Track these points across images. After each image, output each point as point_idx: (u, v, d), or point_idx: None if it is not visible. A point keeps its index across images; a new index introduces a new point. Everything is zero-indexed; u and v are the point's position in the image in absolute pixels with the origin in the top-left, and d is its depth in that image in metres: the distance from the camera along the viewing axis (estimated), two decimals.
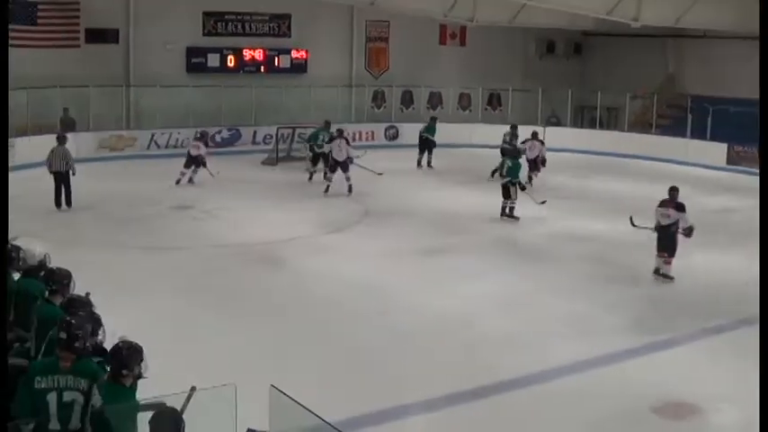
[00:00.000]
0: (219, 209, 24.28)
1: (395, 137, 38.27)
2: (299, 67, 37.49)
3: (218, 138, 34.12)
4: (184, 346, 13.10)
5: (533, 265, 19.74)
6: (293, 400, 7.01)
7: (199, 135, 29.18)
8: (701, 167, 34.19)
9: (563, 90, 40.09)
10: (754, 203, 26.97)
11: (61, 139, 24.24)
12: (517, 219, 24.17)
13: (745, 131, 34.83)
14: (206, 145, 28.85)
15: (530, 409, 12.15)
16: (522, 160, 26.28)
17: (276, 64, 37.00)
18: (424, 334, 14.80)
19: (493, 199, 25.74)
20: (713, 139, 35.61)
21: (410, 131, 37.55)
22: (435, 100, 41.22)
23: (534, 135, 30.98)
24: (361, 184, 27.64)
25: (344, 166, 27.34)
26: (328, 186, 27.22)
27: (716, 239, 22.52)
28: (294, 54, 37.36)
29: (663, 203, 18.70)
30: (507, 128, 33.25)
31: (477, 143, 36.68)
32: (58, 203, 23.47)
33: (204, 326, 14.65)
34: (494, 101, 42.07)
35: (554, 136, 37.63)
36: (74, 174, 23.63)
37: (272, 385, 7.30)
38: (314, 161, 29.85)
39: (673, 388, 12.81)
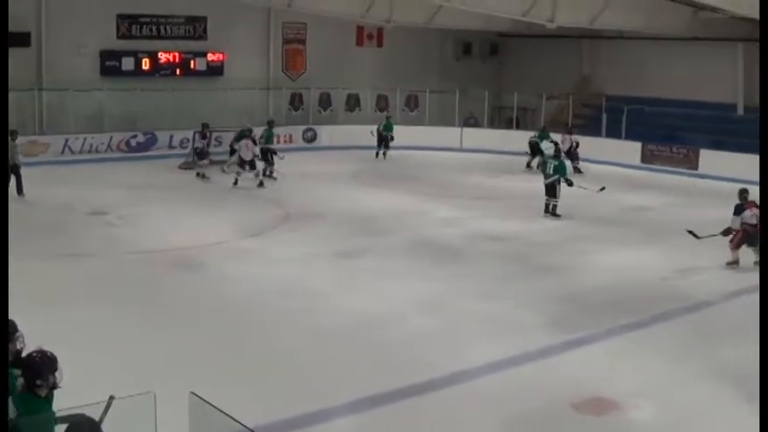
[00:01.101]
0: (136, 214, 24.02)
1: (313, 139, 38.18)
2: (215, 70, 37.20)
3: (133, 142, 33.80)
4: (102, 355, 12.92)
5: (451, 265, 19.82)
6: (213, 406, 6.96)
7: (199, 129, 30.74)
8: (616, 166, 34.60)
9: (480, 91, 40.33)
10: (667, 201, 27.62)
11: (13, 134, 26.13)
12: (559, 216, 24.87)
13: (658, 131, 35.48)
14: (203, 137, 30.63)
15: (452, 407, 12.15)
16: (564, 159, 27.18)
17: (192, 67, 36.65)
18: (345, 336, 14.79)
19: (410, 200, 26.01)
20: (628, 138, 36.15)
21: (328, 133, 37.67)
22: (353, 102, 41.26)
23: (568, 130, 34.18)
24: (280, 187, 27.64)
25: (251, 164, 28.43)
26: (237, 180, 28.36)
27: (631, 236, 22.85)
28: (210, 57, 37.03)
29: (743, 207, 19.69)
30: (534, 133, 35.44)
31: (395, 145, 36.77)
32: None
33: (122, 333, 14.44)
34: (411, 102, 42.20)
35: (471, 137, 38.01)
36: (19, 167, 25.75)
37: (191, 392, 7.24)
38: (264, 159, 30.43)
39: (591, 384, 12.91)
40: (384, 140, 36.61)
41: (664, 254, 21.00)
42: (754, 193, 19.22)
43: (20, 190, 25.51)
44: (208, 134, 31.04)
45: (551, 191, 25.17)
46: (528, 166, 33.79)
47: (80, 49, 33.73)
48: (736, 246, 19.67)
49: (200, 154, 30.68)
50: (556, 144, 30.30)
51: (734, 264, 19.61)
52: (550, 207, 25.19)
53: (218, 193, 27.59)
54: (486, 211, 25.66)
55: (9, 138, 25.61)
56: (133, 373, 11.72)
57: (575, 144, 33.52)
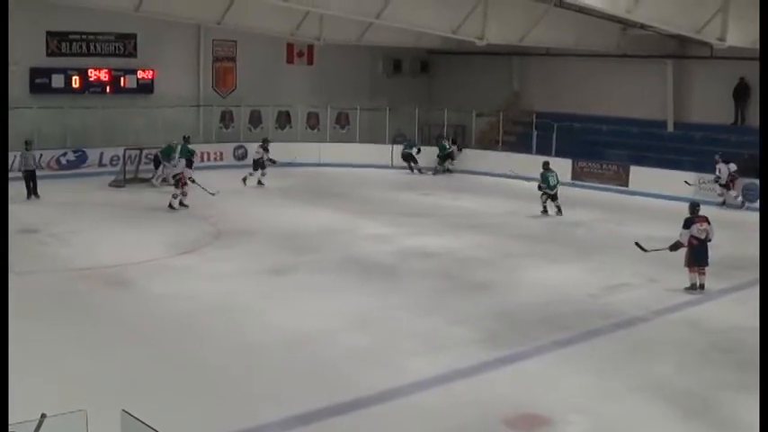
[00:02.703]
0: (66, 232, 23.85)
1: (243, 156, 37.95)
2: (145, 88, 36.98)
3: (63, 160, 33.50)
4: (32, 373, 12.73)
5: (383, 282, 19.86)
6: (145, 424, 6.90)
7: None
8: None
9: (410, 108, 40.49)
10: (597, 217, 27.87)
11: (28, 144, 29.60)
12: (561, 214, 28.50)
13: (587, 147, 35.76)
14: (266, 150, 33.62)
15: (385, 424, 12.19)
16: None
17: (122, 84, 36.42)
18: (278, 352, 14.76)
19: (341, 217, 26.11)
20: (558, 154, 36.20)
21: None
22: (284, 119, 41.21)
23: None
24: (211, 204, 27.57)
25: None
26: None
27: (561, 253, 23.00)
28: (140, 74, 36.82)
29: (693, 221, 19.27)
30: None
31: (326, 162, 36.84)
32: (29, 196, 28.73)
33: (53, 351, 14.35)
34: (342, 119, 42.23)
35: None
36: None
37: (123, 410, 7.17)
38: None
39: (524, 400, 12.97)
40: (410, 158, 38.56)
41: (594, 270, 21.17)
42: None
43: (36, 193, 28.93)
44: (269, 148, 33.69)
45: (557, 197, 28.56)
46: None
47: (9, 66, 33.34)
48: (688, 264, 19.32)
49: (259, 164, 33.20)
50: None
51: (691, 288, 19.21)
52: (556, 208, 28.47)
53: (149, 211, 27.38)
54: (417, 228, 25.76)
55: (25, 147, 29.50)
56: (65, 392, 11.64)
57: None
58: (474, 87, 41.21)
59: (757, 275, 19.13)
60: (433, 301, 18.32)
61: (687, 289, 19.19)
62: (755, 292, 18.35)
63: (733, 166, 31.09)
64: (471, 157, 38.43)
